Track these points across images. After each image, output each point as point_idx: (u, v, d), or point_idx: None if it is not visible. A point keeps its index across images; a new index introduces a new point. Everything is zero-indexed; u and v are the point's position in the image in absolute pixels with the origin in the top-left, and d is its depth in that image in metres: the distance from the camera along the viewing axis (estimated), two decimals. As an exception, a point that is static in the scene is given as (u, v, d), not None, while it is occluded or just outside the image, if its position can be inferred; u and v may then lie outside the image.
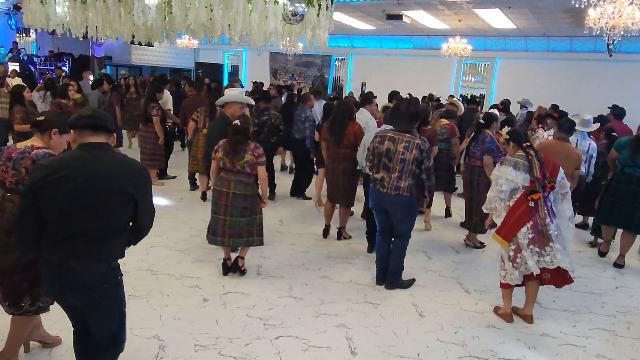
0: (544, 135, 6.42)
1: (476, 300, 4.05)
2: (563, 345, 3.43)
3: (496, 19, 12.10)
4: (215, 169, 4.07)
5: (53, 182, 2.04)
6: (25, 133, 6.00)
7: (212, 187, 4.17)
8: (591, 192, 5.55)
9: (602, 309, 4.06)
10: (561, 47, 14.55)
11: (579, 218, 6.27)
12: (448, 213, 6.49)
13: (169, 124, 7.34)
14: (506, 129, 3.90)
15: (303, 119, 6.66)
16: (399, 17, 12.09)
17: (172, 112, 7.62)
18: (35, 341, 2.91)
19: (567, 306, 4.05)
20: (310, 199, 6.72)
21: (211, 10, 4.57)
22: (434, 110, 8.78)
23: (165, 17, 5.13)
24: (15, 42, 15.00)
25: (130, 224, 2.27)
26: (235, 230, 4.02)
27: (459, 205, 6.23)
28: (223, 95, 5.24)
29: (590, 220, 5.96)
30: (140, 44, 6.97)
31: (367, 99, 6.03)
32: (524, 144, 3.61)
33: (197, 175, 6.78)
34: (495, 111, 5.95)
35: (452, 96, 13.15)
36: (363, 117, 5.58)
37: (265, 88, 11.14)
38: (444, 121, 6.16)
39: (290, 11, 4.96)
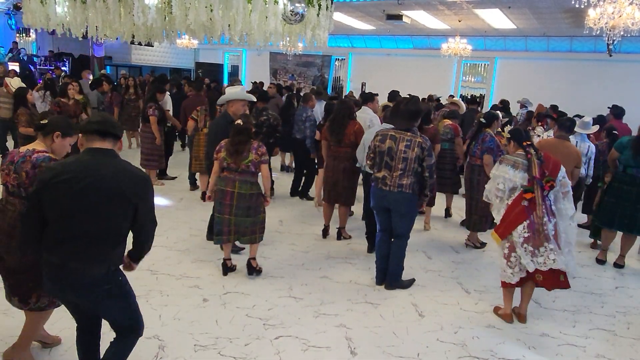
0: (543, 135, 6.42)
1: (476, 300, 4.05)
2: (563, 346, 3.43)
3: (496, 19, 12.10)
4: (217, 170, 4.06)
5: (56, 185, 2.09)
6: (29, 136, 6.03)
7: (210, 188, 4.16)
8: (593, 192, 5.55)
9: (602, 309, 4.06)
10: (561, 47, 14.55)
11: (584, 218, 6.27)
12: (448, 213, 6.49)
13: (169, 125, 7.33)
14: (508, 128, 3.92)
15: (304, 119, 6.65)
16: (399, 17, 12.09)
17: (171, 113, 7.61)
18: (35, 341, 2.91)
19: (567, 306, 4.05)
20: (313, 198, 6.72)
21: (211, 10, 4.58)
22: (435, 110, 8.78)
23: (165, 17, 5.14)
24: (15, 42, 15.00)
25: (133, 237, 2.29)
26: (240, 229, 4.05)
27: (459, 206, 6.23)
28: (223, 94, 5.23)
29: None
30: (140, 44, 6.97)
31: (369, 97, 6.03)
32: (525, 143, 3.61)
33: (197, 175, 6.77)
34: (498, 113, 5.95)
35: (452, 96, 13.17)
36: (367, 115, 5.57)
37: (265, 88, 11.13)
38: (447, 121, 6.16)
39: (290, 11, 4.96)
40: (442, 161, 5.96)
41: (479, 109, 10.82)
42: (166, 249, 4.65)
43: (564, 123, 4.87)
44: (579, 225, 6.04)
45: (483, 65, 16.47)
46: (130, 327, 2.36)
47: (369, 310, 3.74)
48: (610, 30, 7.27)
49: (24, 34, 15.67)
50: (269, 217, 5.54)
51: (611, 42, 8.14)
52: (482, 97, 15.82)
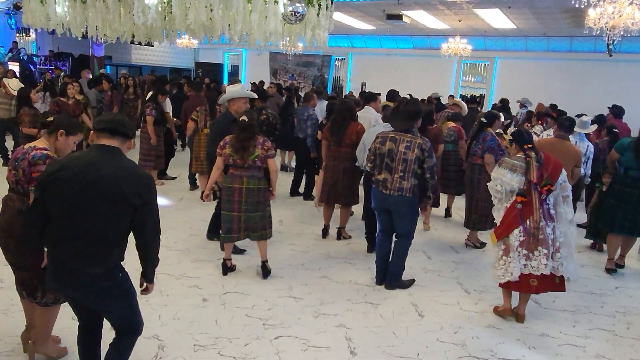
0: (543, 134, 6.42)
1: (476, 300, 4.05)
2: (563, 346, 3.43)
3: (496, 19, 12.11)
4: (220, 165, 4.03)
5: (59, 179, 2.10)
6: (32, 137, 6.04)
7: (210, 183, 4.13)
8: (591, 192, 5.54)
9: (601, 309, 4.06)
10: (561, 47, 14.55)
11: (584, 218, 6.26)
12: (448, 213, 6.49)
13: (168, 126, 7.33)
14: (512, 129, 3.92)
15: (305, 118, 6.65)
16: (399, 17, 12.10)
17: (171, 114, 7.60)
18: (40, 353, 2.90)
19: (567, 306, 4.04)
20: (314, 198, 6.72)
21: (211, 10, 4.58)
22: (435, 111, 8.77)
23: (165, 17, 5.14)
24: (15, 42, 15.00)
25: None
26: (250, 224, 4.04)
27: (459, 206, 6.23)
28: (222, 93, 5.23)
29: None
30: (140, 43, 6.97)
31: (372, 96, 6.01)
32: (526, 146, 3.57)
33: (197, 175, 6.77)
34: (501, 115, 5.95)
35: (452, 96, 13.16)
36: (370, 115, 5.56)
37: (265, 87, 11.13)
38: (451, 124, 6.16)
39: (290, 11, 4.96)
40: (446, 163, 5.97)
41: (479, 108, 10.83)
42: (166, 249, 4.64)
43: (563, 123, 4.86)
44: (579, 225, 6.04)
45: (483, 65, 16.48)
46: (130, 327, 2.36)
47: (368, 310, 3.74)
48: (610, 30, 7.27)
49: (24, 34, 15.68)
50: (269, 217, 5.55)
51: (611, 42, 8.15)
52: (482, 97, 15.82)
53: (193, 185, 6.94)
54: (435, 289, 4.20)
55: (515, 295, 3.78)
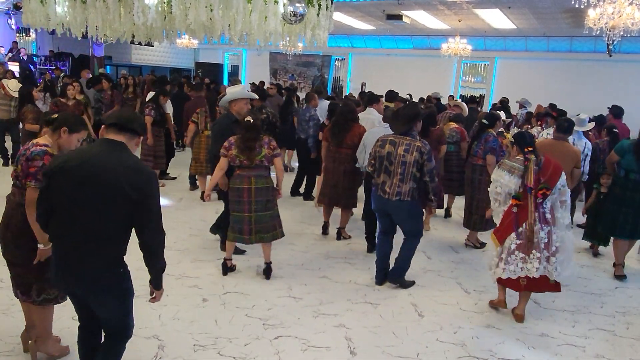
0: (542, 134, 6.42)
1: (475, 300, 4.05)
2: (562, 346, 3.43)
3: (496, 19, 12.11)
4: (224, 166, 4.02)
5: (61, 171, 2.12)
6: (35, 133, 6.06)
7: (211, 183, 4.11)
8: (589, 192, 5.52)
9: (601, 309, 4.06)
10: (561, 47, 14.55)
11: (584, 218, 6.24)
12: (448, 213, 6.49)
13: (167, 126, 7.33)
14: (514, 130, 3.93)
15: (307, 119, 6.65)
16: (398, 17, 12.09)
17: (171, 115, 7.60)
18: (41, 352, 2.90)
19: (567, 306, 4.05)
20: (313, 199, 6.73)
21: (211, 10, 4.58)
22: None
23: (165, 17, 5.14)
24: (15, 42, 15.00)
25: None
26: (261, 225, 4.03)
27: (458, 205, 6.23)
28: (220, 93, 5.23)
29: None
30: (140, 43, 6.97)
31: (374, 98, 5.99)
32: (526, 149, 3.56)
33: (197, 176, 6.77)
34: (502, 114, 5.95)
35: (452, 96, 13.17)
36: (373, 116, 5.55)
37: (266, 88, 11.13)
38: (453, 124, 6.16)
39: (290, 11, 4.96)
40: (448, 163, 5.97)
41: (479, 108, 10.84)
42: (165, 249, 4.59)
43: (561, 124, 4.84)
44: (578, 226, 6.04)
45: (483, 65, 16.48)
46: (121, 329, 2.34)
47: (368, 310, 3.74)
48: (610, 31, 7.27)
49: (24, 34, 15.67)
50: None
51: (611, 42, 8.15)
52: (482, 97, 15.82)
53: (193, 186, 6.94)
54: (434, 289, 4.20)
55: (515, 295, 3.79)
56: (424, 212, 4.27)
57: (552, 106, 9.58)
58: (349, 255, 4.87)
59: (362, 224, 5.28)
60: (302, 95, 13.23)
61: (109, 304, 2.26)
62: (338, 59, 18.81)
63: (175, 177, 7.50)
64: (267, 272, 4.15)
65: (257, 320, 3.47)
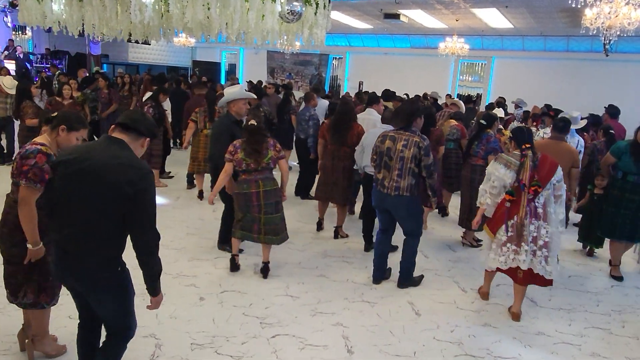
0: (539, 134, 6.43)
1: (472, 299, 4.06)
2: (558, 344, 3.44)
3: (493, 18, 12.13)
4: (229, 170, 4.00)
5: (62, 164, 2.15)
6: (34, 128, 6.05)
7: (216, 188, 4.10)
8: (584, 191, 5.51)
9: (597, 307, 4.08)
10: (558, 46, 14.59)
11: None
12: (445, 212, 6.50)
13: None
14: (514, 124, 3.97)
15: (307, 118, 6.65)
16: (396, 16, 12.09)
17: (169, 112, 7.59)
18: (38, 350, 2.90)
19: (563, 305, 4.06)
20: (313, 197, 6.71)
21: (208, 9, 4.57)
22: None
23: (162, 15, 5.12)
24: (12, 40, 14.93)
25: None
26: (270, 227, 4.04)
27: (455, 204, 6.24)
28: (217, 92, 5.23)
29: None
30: (137, 42, 6.94)
31: (374, 98, 5.99)
32: (524, 146, 3.61)
33: (194, 174, 6.76)
34: (501, 110, 5.95)
35: (449, 96, 13.18)
36: (372, 117, 5.56)
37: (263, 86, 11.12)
38: (453, 122, 6.17)
39: (287, 10, 4.95)
40: (448, 161, 5.98)
41: (477, 107, 10.85)
42: (162, 248, 4.57)
43: (557, 124, 4.86)
44: (575, 225, 6.05)
45: (480, 64, 16.51)
46: (121, 328, 2.33)
47: (365, 309, 3.74)
48: (606, 30, 7.28)
49: (20, 32, 15.59)
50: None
51: (607, 41, 8.17)
52: (479, 96, 15.84)
53: (190, 185, 6.93)
54: (432, 288, 4.21)
55: (512, 294, 3.81)
56: (423, 209, 4.27)
57: (548, 107, 9.60)
58: (347, 254, 4.87)
59: (360, 222, 5.29)
60: (298, 94, 13.28)
61: (108, 303, 2.26)
62: (336, 58, 18.81)
63: (173, 176, 7.49)
64: (265, 271, 4.15)
65: (255, 319, 3.47)
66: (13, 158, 2.64)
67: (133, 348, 2.80)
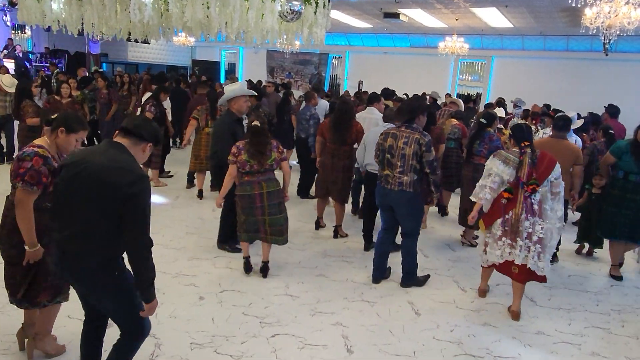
0: (539, 134, 6.43)
1: (472, 298, 4.06)
2: (558, 344, 3.44)
3: (493, 17, 12.12)
4: (234, 173, 3.99)
5: (64, 165, 2.18)
6: (34, 127, 6.04)
7: (223, 191, 4.09)
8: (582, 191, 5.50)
9: (597, 307, 4.08)
10: (558, 46, 14.59)
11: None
12: (444, 211, 6.50)
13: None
14: (515, 120, 3.99)
15: (308, 117, 6.64)
16: (396, 15, 12.08)
17: (169, 111, 7.59)
18: (38, 349, 2.89)
19: (562, 304, 4.06)
20: (314, 197, 6.71)
21: (208, 8, 4.56)
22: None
23: (161, 14, 5.12)
24: (11, 39, 14.92)
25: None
26: (276, 228, 4.04)
27: (455, 204, 6.24)
28: (216, 91, 5.23)
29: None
30: (136, 41, 6.94)
31: (375, 97, 5.99)
32: (523, 143, 3.64)
33: (195, 173, 6.75)
34: (502, 110, 5.95)
35: (449, 95, 13.18)
36: (374, 115, 5.56)
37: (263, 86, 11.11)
38: (454, 121, 6.17)
39: (287, 9, 4.95)
40: (448, 160, 5.98)
41: (477, 107, 10.84)
42: (162, 247, 4.64)
43: (556, 123, 4.86)
44: (573, 223, 6.05)
45: (480, 63, 16.51)
46: (131, 329, 2.31)
47: (365, 309, 3.74)
48: (606, 30, 7.28)
49: (19, 31, 15.58)
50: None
51: (607, 41, 8.15)
52: (478, 95, 15.84)
53: (190, 183, 6.92)
54: (431, 287, 4.21)
55: (511, 294, 3.81)
56: (423, 209, 4.28)
57: (548, 106, 9.60)
58: (346, 253, 4.87)
59: (360, 222, 5.29)
60: (297, 93, 13.27)
61: (109, 304, 2.26)
62: (335, 57, 18.80)
63: (172, 175, 7.48)
64: (265, 271, 4.15)
65: (254, 318, 3.47)
66: (14, 157, 2.63)
67: (132, 347, 2.80)
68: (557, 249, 4.97)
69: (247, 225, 4.04)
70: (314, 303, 3.76)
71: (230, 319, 3.43)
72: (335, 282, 4.18)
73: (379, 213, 4.92)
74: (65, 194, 2.15)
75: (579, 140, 5.47)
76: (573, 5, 6.90)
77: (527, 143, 3.63)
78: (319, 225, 5.48)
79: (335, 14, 12.58)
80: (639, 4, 6.86)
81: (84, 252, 2.14)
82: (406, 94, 12.10)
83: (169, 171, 7.50)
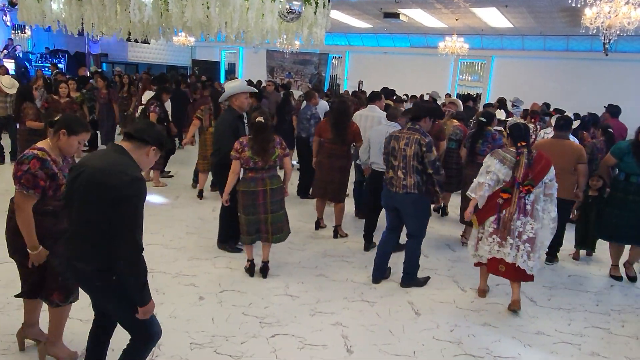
0: (540, 134, 6.44)
1: (472, 298, 4.06)
2: (558, 344, 3.44)
3: (493, 17, 12.13)
4: (237, 169, 3.98)
5: (71, 169, 2.22)
6: (35, 130, 6.04)
7: (227, 188, 4.07)
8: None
9: (596, 307, 4.08)
10: (558, 46, 14.59)
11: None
12: (444, 211, 6.50)
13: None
14: (514, 119, 4.02)
15: (309, 117, 6.64)
16: (396, 15, 12.09)
17: (169, 112, 7.58)
18: (30, 339, 2.90)
19: (562, 304, 4.06)
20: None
21: (208, 8, 4.57)
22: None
23: (161, 14, 5.12)
24: (11, 39, 14.92)
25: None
26: (277, 226, 4.04)
27: (455, 204, 6.24)
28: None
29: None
30: (136, 41, 6.94)
31: (376, 95, 5.97)
32: (519, 143, 3.67)
33: (199, 173, 6.74)
34: (502, 112, 5.95)
35: (449, 95, 13.18)
36: (376, 113, 5.57)
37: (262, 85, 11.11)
38: (455, 122, 6.17)
39: (286, 9, 4.95)
40: (448, 160, 5.97)
41: (477, 107, 10.84)
42: (162, 247, 4.64)
43: (558, 123, 4.86)
44: (569, 221, 6.03)
45: (480, 63, 16.51)
46: (138, 334, 2.27)
47: (365, 309, 3.74)
48: (606, 30, 7.28)
49: (19, 31, 15.58)
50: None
51: (607, 41, 8.15)
52: (478, 95, 15.84)
53: (196, 183, 6.92)
54: (431, 287, 4.20)
55: (507, 290, 3.81)
56: (430, 211, 4.27)
57: (547, 105, 9.59)
58: (346, 253, 4.87)
59: (359, 222, 5.29)
60: (297, 93, 13.26)
61: (110, 307, 2.26)
62: (335, 57, 18.80)
63: (173, 175, 7.48)
64: (265, 271, 4.15)
65: (254, 318, 3.47)
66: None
67: (132, 347, 2.79)
68: (557, 249, 4.99)
69: (248, 226, 4.03)
70: (314, 303, 3.76)
71: (230, 319, 3.43)
72: (335, 282, 4.18)
73: (380, 214, 4.95)
74: (68, 198, 2.18)
75: (576, 140, 5.47)
76: (573, 5, 6.91)
77: (523, 143, 3.65)
78: (319, 225, 5.48)
79: (335, 14, 12.58)
80: (639, 4, 6.86)
81: (84, 255, 2.14)
82: (406, 94, 12.10)
83: (169, 171, 7.49)
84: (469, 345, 3.33)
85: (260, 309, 3.60)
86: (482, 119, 5.15)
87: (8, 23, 14.79)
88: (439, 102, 10.25)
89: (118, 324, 2.35)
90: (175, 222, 5.39)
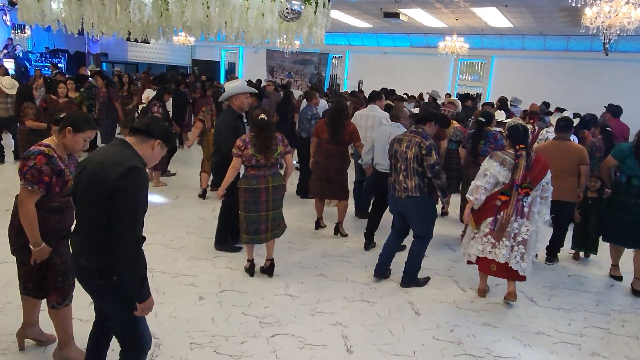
0: (542, 133, 6.43)
1: (472, 298, 4.06)
2: (558, 344, 3.44)
3: (493, 17, 12.12)
4: (237, 166, 3.99)
5: (78, 166, 2.21)
6: (35, 130, 6.04)
7: (225, 184, 4.07)
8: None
9: (597, 307, 4.08)
10: (558, 46, 14.59)
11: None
12: (444, 211, 6.49)
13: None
14: (513, 120, 4.04)
15: (309, 117, 6.64)
16: (396, 15, 12.08)
17: (170, 113, 7.59)
18: (30, 339, 2.90)
19: (562, 304, 4.06)
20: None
21: (207, 7, 4.57)
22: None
23: (161, 14, 5.12)
24: (11, 39, 14.92)
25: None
26: (275, 223, 4.07)
27: (455, 204, 6.24)
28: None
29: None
30: (136, 40, 6.94)
31: (377, 95, 5.96)
32: (518, 146, 3.70)
33: (200, 173, 6.74)
34: (502, 113, 5.95)
35: (449, 95, 13.17)
36: (378, 113, 5.57)
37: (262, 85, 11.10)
38: (456, 124, 6.17)
39: (286, 9, 4.95)
40: (449, 161, 5.98)
41: (477, 107, 10.83)
42: (162, 247, 4.63)
43: (559, 124, 4.85)
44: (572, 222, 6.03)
45: (480, 63, 16.51)
46: (130, 340, 2.23)
47: (365, 309, 3.74)
48: (606, 29, 7.28)
49: (19, 31, 15.58)
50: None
51: (607, 41, 8.15)
52: (478, 95, 15.84)
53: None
54: (431, 287, 4.20)
55: (506, 290, 3.83)
56: (435, 212, 4.26)
57: (546, 104, 9.57)
58: (346, 253, 4.87)
59: (360, 222, 5.29)
60: (297, 93, 13.25)
61: (110, 310, 2.25)
62: (335, 57, 18.80)
63: (174, 174, 7.48)
64: (270, 269, 4.14)
65: (254, 318, 3.46)
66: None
67: (132, 347, 2.79)
68: (558, 249, 4.99)
69: (248, 225, 4.02)
70: (314, 303, 3.76)
71: (230, 319, 3.43)
72: (335, 282, 4.18)
73: (381, 214, 4.96)
74: (74, 194, 2.18)
75: (576, 138, 5.49)
76: (573, 5, 6.90)
77: (522, 146, 3.67)
78: (319, 225, 5.48)
79: (335, 14, 12.57)
80: (639, 3, 6.85)
81: (86, 253, 2.13)
82: (406, 94, 12.09)
83: (169, 170, 7.49)
84: (469, 345, 3.33)
85: (260, 309, 3.60)
86: (482, 119, 5.15)
87: (8, 23, 14.79)
88: (439, 102, 10.26)
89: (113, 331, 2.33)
90: (175, 222, 5.39)
